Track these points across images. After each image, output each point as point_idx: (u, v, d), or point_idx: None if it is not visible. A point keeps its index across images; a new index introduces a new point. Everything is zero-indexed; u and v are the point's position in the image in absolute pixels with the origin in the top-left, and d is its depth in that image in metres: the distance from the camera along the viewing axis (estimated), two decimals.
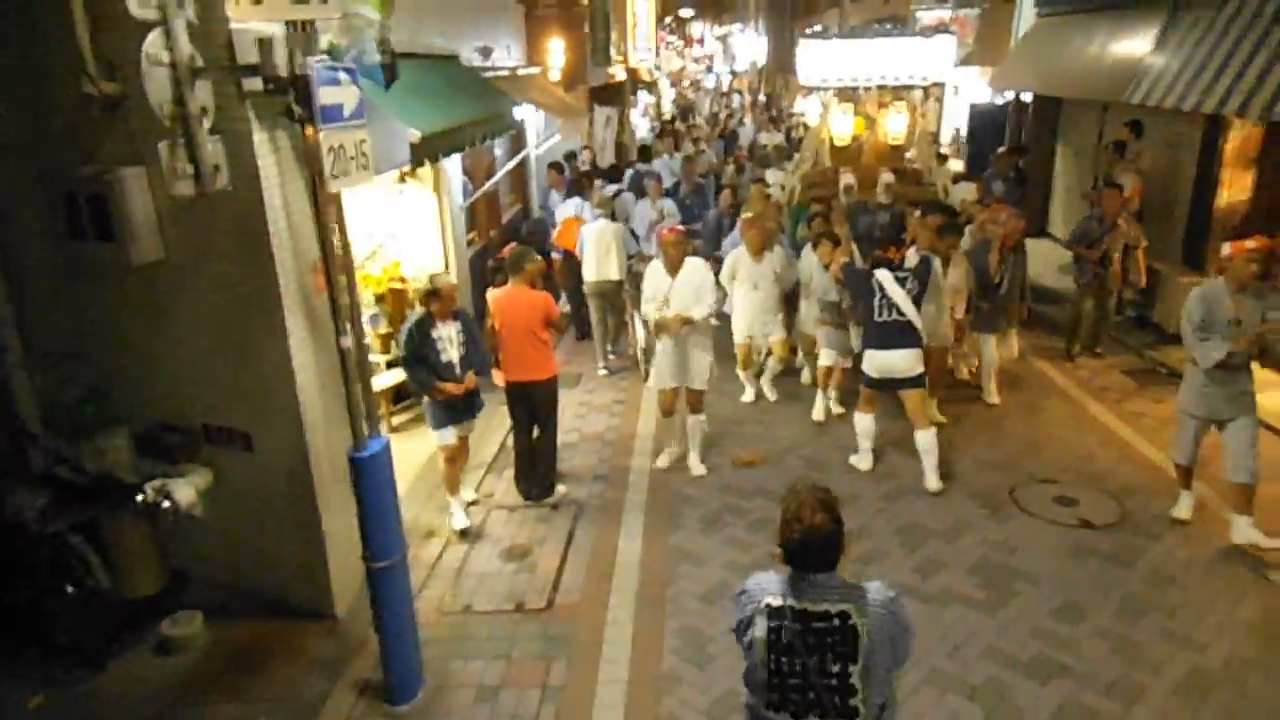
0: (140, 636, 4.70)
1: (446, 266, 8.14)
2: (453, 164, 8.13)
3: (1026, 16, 12.41)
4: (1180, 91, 7.79)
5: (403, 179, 7.64)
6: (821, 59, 9.44)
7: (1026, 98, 13.16)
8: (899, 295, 6.01)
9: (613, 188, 10.83)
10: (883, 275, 6.07)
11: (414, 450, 6.75)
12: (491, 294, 6.16)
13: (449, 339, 5.59)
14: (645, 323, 7.15)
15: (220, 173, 3.58)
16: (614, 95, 20.07)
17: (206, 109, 3.46)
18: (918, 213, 7.44)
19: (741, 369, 7.80)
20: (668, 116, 26.77)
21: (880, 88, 9.78)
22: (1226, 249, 5.27)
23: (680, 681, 4.35)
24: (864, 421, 6.45)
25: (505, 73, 10.21)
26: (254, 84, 3.53)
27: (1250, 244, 5.22)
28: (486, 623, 4.89)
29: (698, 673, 4.39)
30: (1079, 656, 4.35)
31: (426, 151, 5.63)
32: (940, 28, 11.91)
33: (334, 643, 4.73)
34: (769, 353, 7.79)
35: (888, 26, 14.93)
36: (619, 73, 19.49)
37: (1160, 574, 5.04)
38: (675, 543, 5.63)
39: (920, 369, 6.11)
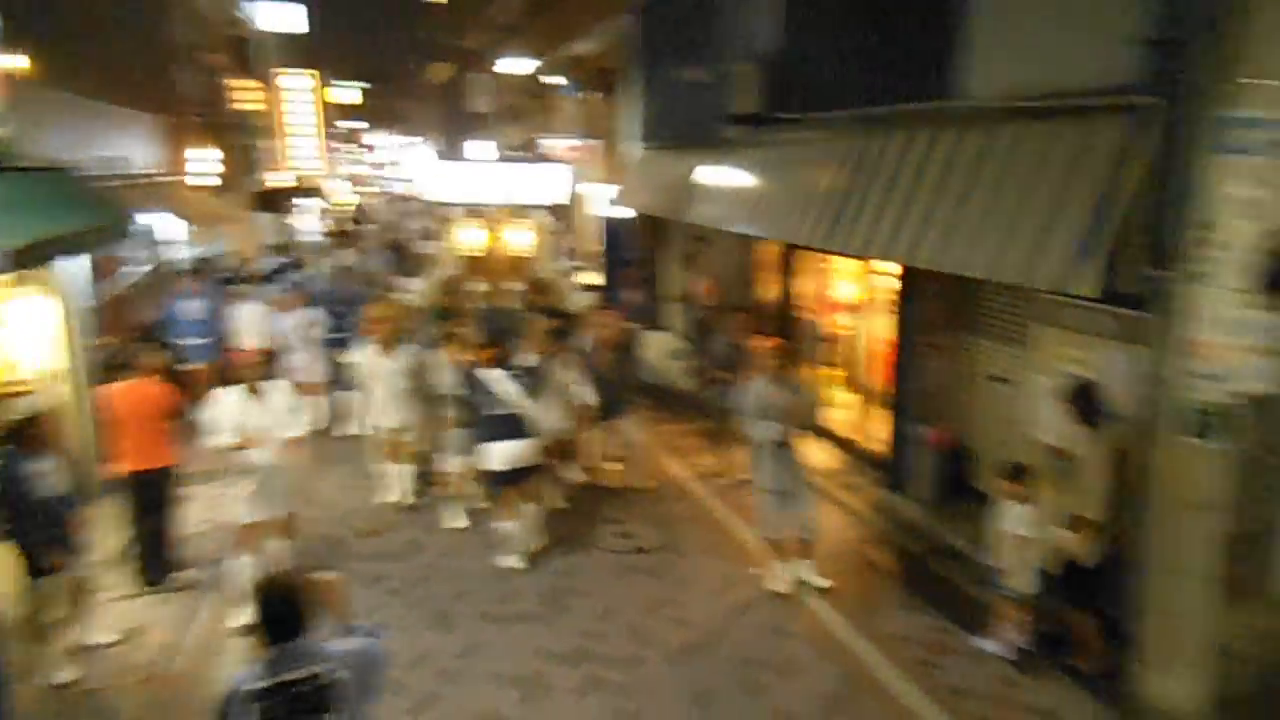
0: None
1: (69, 368, 8.17)
2: (77, 265, 8.28)
3: (636, 147, 14.87)
4: (719, 215, 10.07)
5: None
6: (449, 180, 10.79)
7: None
8: (511, 391, 6.55)
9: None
10: (494, 373, 6.59)
11: None
12: (108, 389, 6.48)
13: (47, 473, 5.15)
14: None
15: None
16: (277, 201, 20.40)
17: None
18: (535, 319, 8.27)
19: (390, 462, 7.98)
20: (344, 222, 27.26)
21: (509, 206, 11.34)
22: (756, 348, 6.50)
23: None
24: (509, 527, 6.71)
25: (139, 180, 10.45)
26: None
27: (768, 344, 6.42)
28: (94, 697, 5.18)
29: None
30: (606, 644, 5.65)
31: (26, 259, 5.97)
32: (554, 158, 13.94)
33: None
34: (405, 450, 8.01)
35: (519, 153, 16.96)
36: (282, 179, 19.91)
37: (682, 581, 6.55)
38: None
39: (539, 460, 6.77)
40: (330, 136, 42.12)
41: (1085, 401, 5.09)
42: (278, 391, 6.33)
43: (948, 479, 7.69)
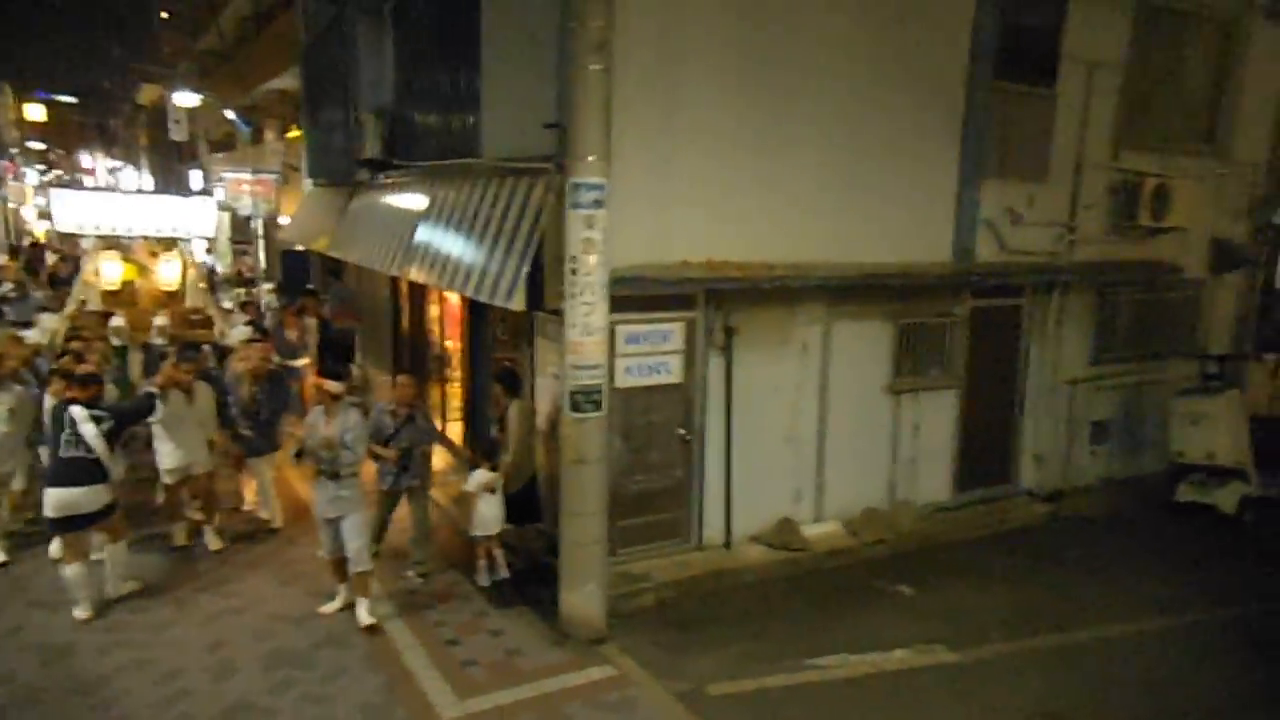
0: None
1: None
2: None
3: (308, 183, 15.63)
4: (344, 248, 11.15)
5: None
6: (78, 208, 11.06)
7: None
8: (89, 432, 6.21)
9: None
10: (76, 411, 6.23)
11: None
12: None
13: None
14: None
15: None
16: None
17: None
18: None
19: None
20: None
21: (152, 238, 11.76)
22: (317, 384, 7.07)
23: None
24: (71, 571, 6.30)
25: None
26: None
27: (322, 381, 6.56)
28: None
29: None
30: (146, 616, 6.53)
31: None
32: (205, 190, 14.43)
33: None
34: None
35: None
36: None
37: (250, 565, 7.50)
38: None
39: (106, 500, 6.37)
40: (25, 157, 38.73)
41: (508, 380, 7.25)
42: None
43: None
